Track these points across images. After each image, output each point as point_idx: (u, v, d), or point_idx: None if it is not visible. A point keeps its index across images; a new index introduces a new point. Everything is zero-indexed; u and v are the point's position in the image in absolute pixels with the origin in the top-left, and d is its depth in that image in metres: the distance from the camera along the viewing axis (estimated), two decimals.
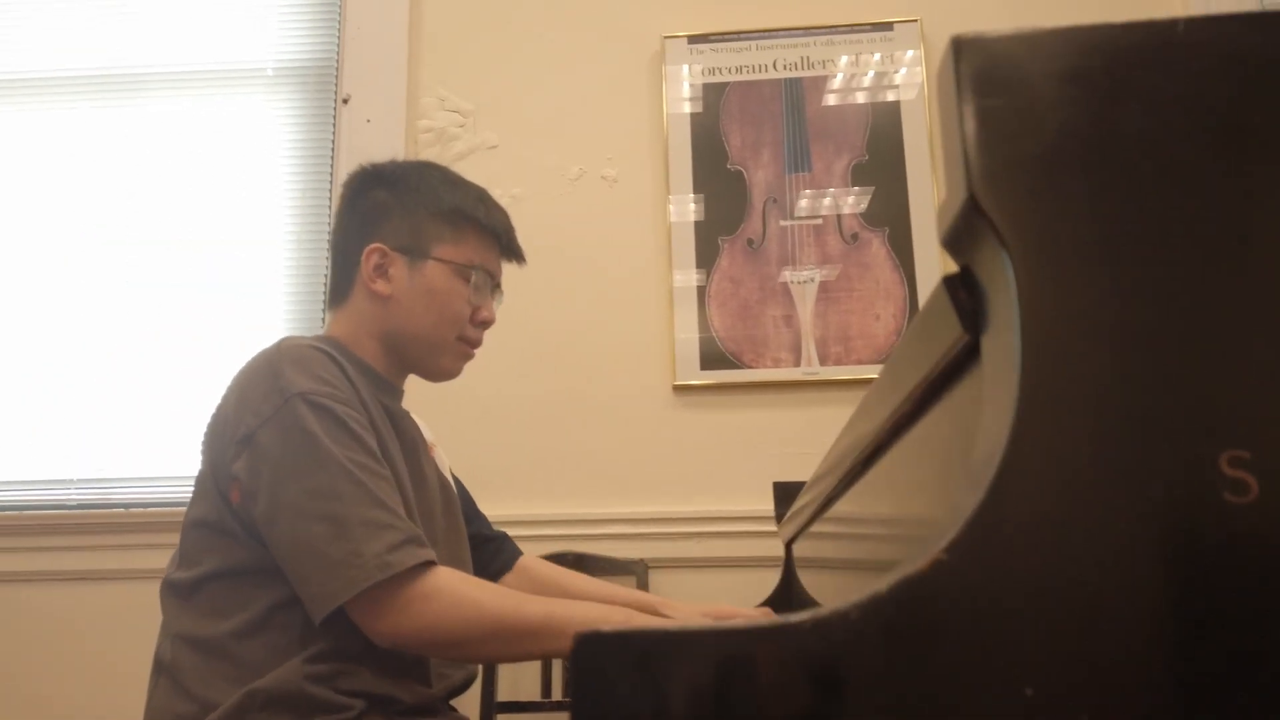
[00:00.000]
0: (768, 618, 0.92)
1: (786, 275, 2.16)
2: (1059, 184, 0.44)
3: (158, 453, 2.14)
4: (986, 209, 0.44)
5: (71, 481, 2.13)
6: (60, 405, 2.19)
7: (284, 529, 1.01)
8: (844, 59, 2.26)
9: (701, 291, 2.16)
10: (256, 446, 1.04)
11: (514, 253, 1.28)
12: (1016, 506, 0.41)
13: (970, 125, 0.45)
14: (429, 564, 1.01)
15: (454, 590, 1.00)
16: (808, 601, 1.51)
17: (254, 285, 2.24)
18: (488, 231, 1.23)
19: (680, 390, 2.11)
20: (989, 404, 0.45)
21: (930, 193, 2.17)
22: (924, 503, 0.65)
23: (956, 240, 0.48)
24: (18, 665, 2.04)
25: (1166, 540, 0.41)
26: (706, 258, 2.18)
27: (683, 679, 0.40)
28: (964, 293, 0.49)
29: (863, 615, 0.41)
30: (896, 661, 0.40)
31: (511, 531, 1.99)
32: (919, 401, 0.63)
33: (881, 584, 0.41)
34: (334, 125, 2.28)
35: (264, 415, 1.04)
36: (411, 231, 1.20)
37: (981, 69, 0.45)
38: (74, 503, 2.11)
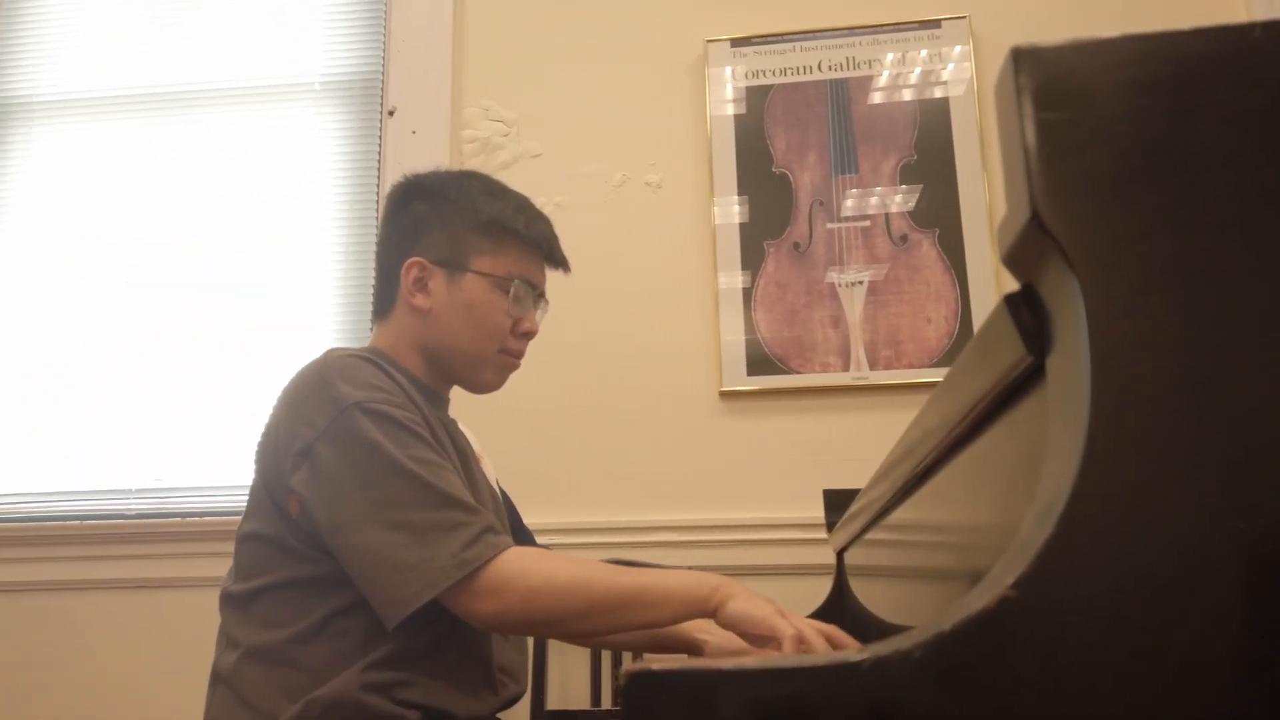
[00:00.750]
0: (823, 648, 0.88)
1: (834, 278, 2.13)
2: (1128, 200, 0.42)
3: (214, 462, 2.18)
4: (1050, 227, 0.42)
5: (130, 491, 2.18)
6: (119, 416, 2.24)
7: (353, 539, 1.01)
8: (890, 58, 2.22)
9: (747, 294, 2.14)
10: (315, 458, 1.04)
11: (557, 261, 1.26)
12: (1087, 542, 0.39)
13: (1032, 139, 0.43)
14: (508, 549, 1.00)
15: (541, 569, 0.99)
16: (860, 611, 1.48)
17: (304, 295, 2.26)
18: (528, 242, 1.21)
19: (727, 396, 2.09)
20: (1055, 432, 0.43)
21: (981, 191, 2.13)
22: (983, 518, 0.63)
23: (1018, 258, 0.46)
24: (79, 672, 2.08)
25: (1247, 582, 0.38)
26: (751, 259, 2.16)
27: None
28: (1027, 312, 0.46)
29: (925, 654, 0.39)
30: (961, 702, 0.39)
31: (560, 539, 1.99)
32: (979, 419, 0.61)
33: (945, 621, 0.39)
34: (380, 137, 2.30)
35: (320, 427, 1.04)
36: (450, 244, 1.19)
37: (1043, 80, 0.43)
38: (133, 512, 2.15)
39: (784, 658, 0.41)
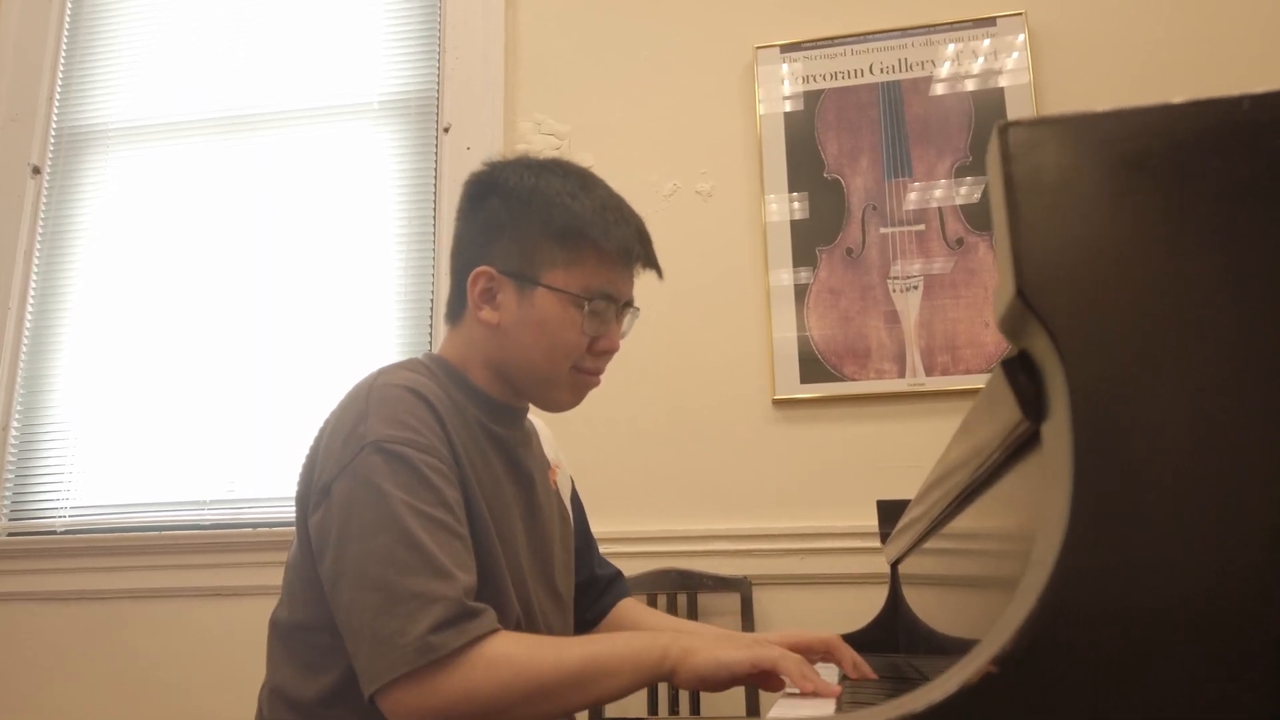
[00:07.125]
0: (822, 683, 0.87)
1: (888, 283, 2.11)
2: (1116, 278, 0.42)
3: (284, 473, 2.26)
4: (1036, 305, 0.42)
5: (205, 502, 2.27)
6: (194, 429, 2.33)
7: (343, 594, 0.94)
8: (945, 57, 2.19)
9: (800, 290, 2.13)
10: (331, 499, 0.97)
11: (647, 264, 1.14)
12: (1069, 619, 0.40)
13: (1018, 215, 0.43)
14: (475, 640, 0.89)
15: (493, 658, 0.89)
16: (914, 622, 1.47)
17: (367, 308, 2.33)
18: (609, 251, 1.08)
19: (780, 404, 2.09)
20: (1045, 503, 0.43)
21: None
22: (1022, 536, 0.63)
23: (1011, 328, 0.46)
24: (159, 676, 2.18)
25: (1233, 664, 0.38)
26: (803, 257, 2.15)
27: None
28: (1024, 376, 0.47)
29: None
30: None
31: (614, 548, 2.02)
32: (997, 464, 0.61)
33: (935, 693, 0.40)
34: (436, 154, 2.35)
35: (342, 463, 0.97)
36: (522, 255, 1.08)
37: (1030, 156, 0.43)
38: (208, 522, 2.25)
39: None
